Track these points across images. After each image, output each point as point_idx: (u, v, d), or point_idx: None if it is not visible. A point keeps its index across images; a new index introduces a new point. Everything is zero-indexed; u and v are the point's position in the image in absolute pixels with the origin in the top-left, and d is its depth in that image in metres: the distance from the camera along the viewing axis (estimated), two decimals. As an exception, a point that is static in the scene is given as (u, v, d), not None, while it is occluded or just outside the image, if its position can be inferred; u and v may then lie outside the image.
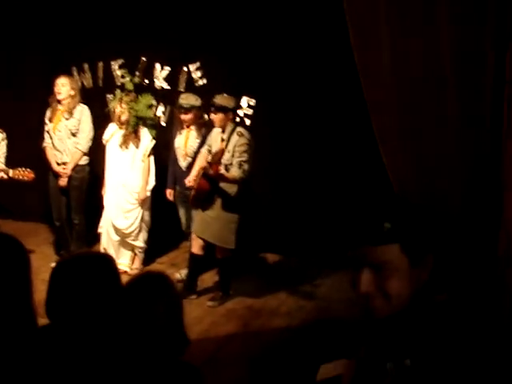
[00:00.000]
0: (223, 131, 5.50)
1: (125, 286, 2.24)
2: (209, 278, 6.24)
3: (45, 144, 6.33)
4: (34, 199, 7.72)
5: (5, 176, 5.84)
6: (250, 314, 5.50)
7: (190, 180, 5.60)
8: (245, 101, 6.85)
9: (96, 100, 6.86)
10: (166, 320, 2.12)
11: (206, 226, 5.57)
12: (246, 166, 5.35)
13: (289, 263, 6.88)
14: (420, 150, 2.63)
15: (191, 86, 6.88)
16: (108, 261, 2.42)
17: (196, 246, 5.68)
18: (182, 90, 6.89)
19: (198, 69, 6.97)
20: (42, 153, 6.39)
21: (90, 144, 6.30)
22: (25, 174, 5.82)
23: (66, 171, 6.22)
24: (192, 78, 7.00)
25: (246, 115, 6.88)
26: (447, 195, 2.58)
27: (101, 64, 7.30)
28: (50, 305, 2.23)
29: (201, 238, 5.62)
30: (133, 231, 6.20)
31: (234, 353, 4.73)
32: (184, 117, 5.88)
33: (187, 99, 5.90)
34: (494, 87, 2.31)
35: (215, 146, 5.53)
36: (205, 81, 6.95)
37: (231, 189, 5.47)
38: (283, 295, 5.98)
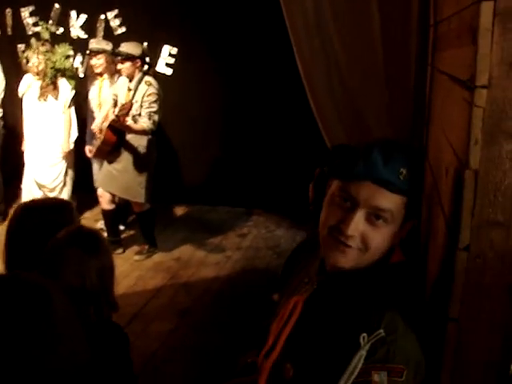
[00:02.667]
0: (130, 80, 5.28)
1: (56, 240, 2.15)
2: (134, 232, 6.16)
3: (-49, 97, 6.00)
4: None
5: None
6: (177, 266, 5.48)
7: (95, 127, 5.37)
8: (166, 50, 6.68)
9: (5, 50, 6.51)
10: (98, 280, 2.06)
11: (112, 180, 5.36)
12: (155, 117, 5.16)
13: (214, 213, 6.89)
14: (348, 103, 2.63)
15: (110, 35, 6.63)
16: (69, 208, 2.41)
17: (104, 201, 5.50)
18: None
19: (116, 16, 6.72)
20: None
21: (1, 96, 6.01)
22: None
23: (-24, 126, 5.93)
24: (110, 26, 6.75)
25: (167, 64, 6.73)
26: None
27: (9, 11, 6.93)
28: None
29: (108, 192, 5.45)
30: (57, 186, 5.99)
31: (163, 305, 4.72)
32: (95, 62, 5.64)
33: (97, 43, 5.71)
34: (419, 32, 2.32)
35: (121, 94, 5.31)
36: (124, 29, 6.71)
37: (140, 141, 5.29)
38: (211, 246, 5.99)
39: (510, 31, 1.16)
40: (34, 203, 2.55)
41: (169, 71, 6.71)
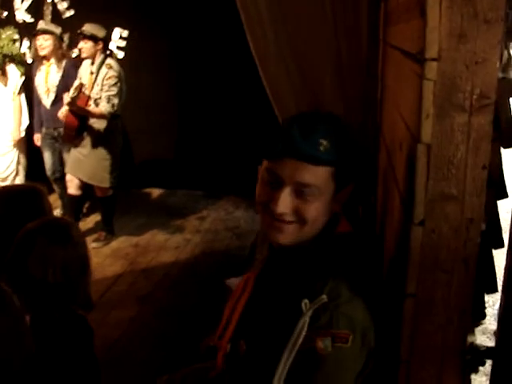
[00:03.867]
0: (92, 63, 5.23)
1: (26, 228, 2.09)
2: (91, 219, 6.08)
3: None
4: None
5: None
6: (136, 252, 5.43)
7: (60, 114, 5.25)
8: (117, 32, 6.53)
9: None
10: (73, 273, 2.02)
11: (78, 165, 5.32)
12: (115, 101, 5.11)
13: (173, 197, 6.84)
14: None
15: (58, 19, 6.44)
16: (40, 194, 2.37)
17: (72, 186, 5.43)
18: (48, 22, 6.44)
19: (64, -1, 6.54)
20: None
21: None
22: None
23: None
24: (58, 9, 6.55)
25: (118, 47, 6.58)
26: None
27: None
28: None
29: (76, 177, 5.39)
30: (9, 175, 5.86)
31: (123, 292, 4.67)
32: (41, 43, 5.45)
33: (46, 24, 5.60)
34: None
35: (85, 79, 5.25)
36: (72, 12, 6.52)
37: (100, 125, 5.22)
38: (170, 230, 5.95)
39: (457, 3, 1.15)
40: (4, 189, 2.49)
41: (120, 54, 6.57)
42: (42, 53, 5.52)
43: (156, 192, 7.00)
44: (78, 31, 5.21)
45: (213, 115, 6.57)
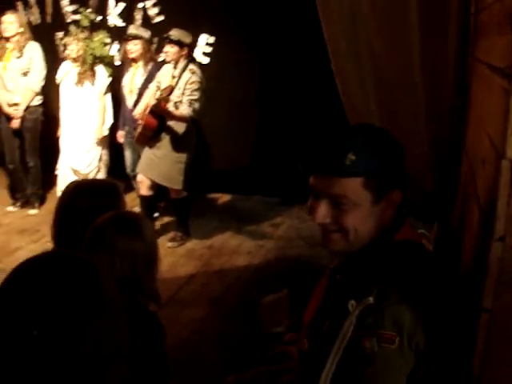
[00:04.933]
0: (175, 67, 5.36)
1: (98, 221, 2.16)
2: (168, 219, 6.22)
3: (-6, 84, 6.10)
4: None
5: None
6: (210, 254, 5.51)
7: (136, 113, 5.43)
8: (203, 38, 6.69)
9: (44, 38, 6.55)
10: (141, 267, 2.05)
11: (152, 166, 5.44)
12: (196, 105, 5.23)
13: (248, 203, 6.90)
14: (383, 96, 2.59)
15: (148, 24, 6.66)
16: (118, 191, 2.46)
17: (143, 187, 5.56)
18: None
19: (154, 5, 6.75)
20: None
21: (42, 83, 6.11)
22: None
23: (18, 112, 6.02)
24: (148, 15, 6.78)
25: (204, 53, 6.74)
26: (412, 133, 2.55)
27: (49, -1, 6.98)
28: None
29: (148, 178, 5.51)
30: (91, 171, 6.08)
31: (195, 292, 4.75)
32: (130, 47, 5.66)
33: (135, 28, 5.77)
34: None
35: (165, 82, 5.37)
36: (162, 18, 6.74)
37: (179, 127, 5.34)
38: (243, 235, 6.01)
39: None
40: (85, 182, 2.57)
41: (206, 60, 6.72)
42: (131, 56, 5.73)
43: (231, 197, 7.08)
44: (165, 36, 5.36)
45: (292, 123, 6.59)
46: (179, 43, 5.27)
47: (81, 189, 2.41)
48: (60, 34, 6.72)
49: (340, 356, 1.46)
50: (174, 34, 5.29)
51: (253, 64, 6.60)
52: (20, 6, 6.94)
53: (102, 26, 6.53)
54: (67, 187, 2.42)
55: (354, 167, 1.47)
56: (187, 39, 5.35)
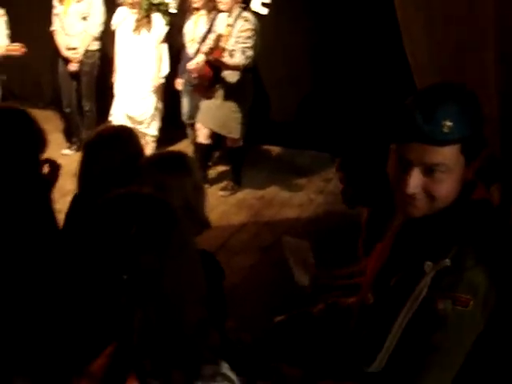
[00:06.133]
0: (229, 16, 5.30)
1: (145, 163, 2.20)
2: (220, 168, 6.25)
3: (54, 28, 6.14)
4: (46, 86, 7.66)
5: None
6: (261, 204, 5.53)
7: (191, 64, 5.44)
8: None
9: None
10: (192, 197, 2.10)
11: (210, 115, 5.49)
12: (249, 53, 5.21)
13: (300, 157, 6.86)
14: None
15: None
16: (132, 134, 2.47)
17: (202, 135, 5.62)
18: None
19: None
20: (50, 37, 6.22)
21: (101, 28, 6.13)
22: (16, 48, 5.83)
23: (76, 56, 6.07)
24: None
25: (263, 4, 6.63)
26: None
27: None
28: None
29: (206, 127, 5.55)
30: (146, 119, 6.10)
31: (246, 241, 4.80)
32: None
33: None
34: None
35: (221, 30, 5.34)
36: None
37: (234, 77, 5.33)
38: (295, 188, 6.00)
39: None
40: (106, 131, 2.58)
41: (264, 11, 6.62)
42: (194, 5, 5.73)
43: (284, 150, 7.04)
44: None
45: (349, 77, 6.47)
46: None
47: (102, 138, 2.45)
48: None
49: (412, 314, 1.48)
50: None
51: (312, 15, 6.48)
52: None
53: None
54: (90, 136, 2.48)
55: (452, 134, 1.44)
56: None
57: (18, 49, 5.83)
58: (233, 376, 1.25)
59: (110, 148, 2.35)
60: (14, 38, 6.03)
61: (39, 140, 2.32)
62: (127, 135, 2.46)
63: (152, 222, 1.17)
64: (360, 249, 2.85)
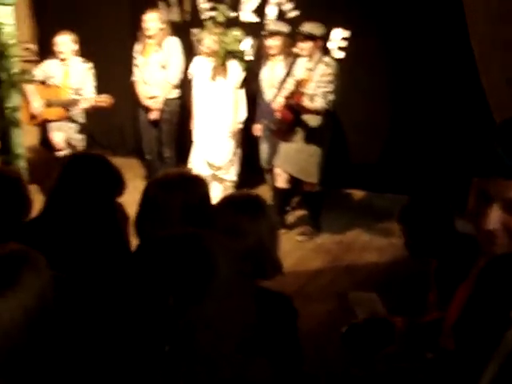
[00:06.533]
0: (309, 60, 5.33)
1: (219, 204, 2.17)
2: (299, 213, 6.20)
3: (134, 78, 6.38)
4: (128, 134, 7.91)
5: (86, 105, 6.03)
6: (339, 249, 5.43)
7: (274, 106, 5.47)
8: (339, 32, 6.58)
9: (183, 35, 6.72)
10: (267, 240, 2.06)
11: (288, 159, 5.49)
12: (330, 97, 5.21)
13: (380, 200, 6.72)
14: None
15: (282, 19, 6.64)
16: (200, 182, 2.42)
17: (280, 180, 5.61)
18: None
19: (288, 0, 6.73)
20: (132, 87, 6.43)
21: (180, 77, 6.31)
22: (104, 100, 6.04)
23: (156, 104, 6.25)
24: (282, 10, 6.78)
25: (339, 48, 6.63)
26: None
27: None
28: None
29: (284, 171, 5.54)
30: (224, 164, 6.16)
31: (323, 287, 4.69)
32: (270, 43, 5.75)
33: (275, 24, 5.85)
34: None
35: (300, 75, 5.37)
36: (296, 13, 6.69)
37: (314, 120, 5.33)
38: (374, 232, 5.87)
39: None
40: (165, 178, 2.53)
41: (341, 54, 6.62)
42: (271, 52, 5.82)
43: (364, 194, 6.93)
44: (297, 30, 5.36)
45: (427, 119, 6.35)
46: (311, 37, 5.24)
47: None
48: (196, 31, 6.87)
49: (498, 368, 1.35)
50: (306, 28, 5.28)
51: (389, 58, 6.43)
52: (161, 5, 7.17)
53: (236, 21, 6.60)
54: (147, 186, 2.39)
55: None
56: (319, 31, 5.32)
57: (105, 100, 6.05)
58: None
59: (168, 191, 2.30)
60: (98, 89, 6.28)
61: (115, 183, 2.35)
62: (190, 182, 2.39)
63: (189, 282, 1.16)
64: (431, 298, 2.73)
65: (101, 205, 2.19)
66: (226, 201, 2.21)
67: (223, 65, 5.91)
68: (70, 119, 6.08)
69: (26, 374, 1.37)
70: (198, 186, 2.36)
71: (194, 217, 2.12)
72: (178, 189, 2.25)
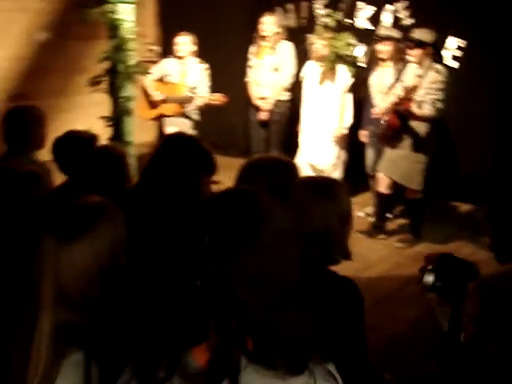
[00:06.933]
0: (419, 67, 5.31)
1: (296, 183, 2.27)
2: (400, 221, 6.16)
3: (248, 79, 6.61)
4: (240, 135, 8.18)
5: (201, 103, 6.32)
6: (437, 259, 5.33)
7: (378, 111, 5.51)
8: (454, 42, 6.48)
9: (297, 40, 6.85)
10: (334, 226, 2.10)
11: (392, 165, 5.48)
12: (438, 105, 5.19)
13: (485, 213, 6.53)
14: None
15: (397, 26, 6.62)
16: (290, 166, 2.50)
17: (383, 185, 5.63)
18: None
19: (405, 8, 6.72)
20: (245, 88, 6.67)
21: (291, 80, 6.48)
22: (218, 98, 6.29)
23: (266, 105, 6.44)
24: (398, 17, 6.76)
25: (454, 57, 6.53)
26: None
27: (305, 4, 7.29)
28: None
29: (388, 177, 5.55)
30: (327, 168, 6.23)
31: (415, 293, 4.63)
32: (381, 48, 5.77)
33: (386, 29, 5.85)
34: None
35: (409, 81, 5.35)
36: (412, 20, 6.66)
37: (421, 127, 5.30)
38: (477, 245, 5.71)
39: None
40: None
41: (455, 64, 6.51)
42: (381, 57, 5.83)
43: (468, 207, 6.75)
44: (408, 36, 5.37)
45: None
46: (421, 43, 5.22)
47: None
48: (311, 36, 6.98)
49: None
50: (415, 34, 5.28)
51: (503, 68, 6.25)
52: (279, 10, 7.36)
53: (351, 28, 6.65)
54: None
55: None
56: (429, 38, 5.28)
57: (219, 99, 6.32)
58: (339, 378, 1.27)
59: (258, 172, 2.40)
60: (215, 89, 6.56)
61: (204, 162, 2.49)
62: (283, 165, 2.49)
63: (238, 227, 1.25)
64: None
65: (187, 182, 2.34)
66: (304, 180, 2.31)
67: (332, 69, 6.00)
68: (185, 115, 6.41)
69: (100, 317, 1.55)
70: (288, 169, 2.45)
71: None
72: (267, 170, 2.37)
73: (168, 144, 2.54)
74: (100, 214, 1.68)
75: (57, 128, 3.75)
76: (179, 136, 2.83)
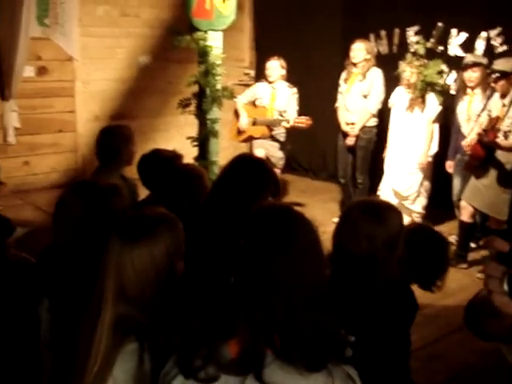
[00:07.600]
0: (503, 96, 5.26)
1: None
2: (485, 252, 6.04)
3: (337, 104, 6.73)
4: (330, 159, 8.29)
5: (287, 124, 6.46)
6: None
7: (466, 142, 5.47)
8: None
9: (389, 66, 6.90)
10: (379, 248, 2.17)
11: (477, 194, 5.43)
12: None
13: None
14: None
15: (490, 54, 6.55)
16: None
17: (466, 214, 5.58)
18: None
19: (498, 35, 6.63)
20: (334, 113, 6.79)
21: (379, 106, 6.52)
22: (303, 121, 6.42)
23: (353, 131, 6.52)
24: (491, 44, 6.68)
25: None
26: None
27: (397, 31, 7.30)
28: None
29: (471, 206, 5.50)
30: (411, 194, 6.24)
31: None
32: (467, 75, 5.71)
33: (473, 56, 5.81)
34: None
35: (495, 111, 5.30)
36: (505, 47, 6.56)
37: (507, 158, 5.22)
38: None
39: None
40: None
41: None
42: (469, 84, 5.78)
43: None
44: (491, 68, 5.35)
45: None
46: (504, 74, 5.18)
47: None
48: (401, 63, 7.01)
49: None
50: (498, 64, 5.25)
51: None
52: (372, 37, 7.44)
53: (443, 55, 6.64)
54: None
55: None
56: (510, 66, 5.21)
57: (304, 121, 6.47)
58: (359, 382, 1.37)
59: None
60: (306, 113, 6.66)
61: (267, 184, 2.66)
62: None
63: (273, 236, 1.39)
64: None
65: (249, 201, 2.50)
66: (360, 200, 2.42)
67: (421, 97, 6.03)
68: (273, 138, 6.61)
69: (153, 313, 1.75)
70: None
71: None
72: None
73: (235, 165, 2.72)
74: (160, 223, 1.89)
75: (153, 146, 4.07)
76: (245, 157, 3.00)
